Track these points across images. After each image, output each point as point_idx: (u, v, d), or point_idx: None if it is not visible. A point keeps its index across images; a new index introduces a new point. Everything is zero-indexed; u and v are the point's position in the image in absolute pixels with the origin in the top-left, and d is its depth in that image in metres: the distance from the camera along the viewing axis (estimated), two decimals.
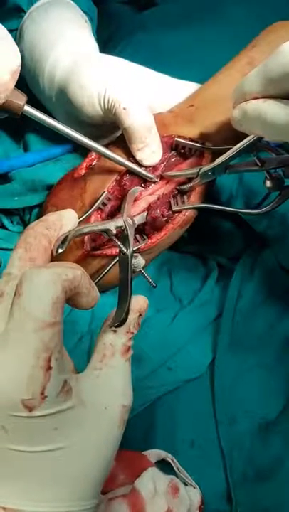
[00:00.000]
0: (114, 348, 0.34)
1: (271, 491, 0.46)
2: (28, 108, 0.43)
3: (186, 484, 0.44)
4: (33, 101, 0.56)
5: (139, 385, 0.49)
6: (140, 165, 0.48)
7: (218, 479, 0.47)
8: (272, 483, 0.46)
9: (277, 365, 0.52)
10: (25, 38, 0.54)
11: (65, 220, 0.35)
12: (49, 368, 0.28)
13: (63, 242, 0.34)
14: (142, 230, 0.49)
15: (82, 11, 0.60)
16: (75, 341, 0.53)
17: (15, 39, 0.55)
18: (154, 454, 0.46)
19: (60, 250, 0.34)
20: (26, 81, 0.57)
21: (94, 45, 0.55)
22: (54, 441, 0.29)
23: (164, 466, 0.46)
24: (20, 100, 0.42)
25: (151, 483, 0.42)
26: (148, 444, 0.47)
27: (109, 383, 0.33)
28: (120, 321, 0.34)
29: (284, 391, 0.50)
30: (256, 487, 0.46)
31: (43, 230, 0.34)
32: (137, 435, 0.48)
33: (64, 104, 0.51)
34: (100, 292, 0.54)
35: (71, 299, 0.31)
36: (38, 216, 0.55)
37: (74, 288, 0.30)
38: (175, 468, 0.46)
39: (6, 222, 0.58)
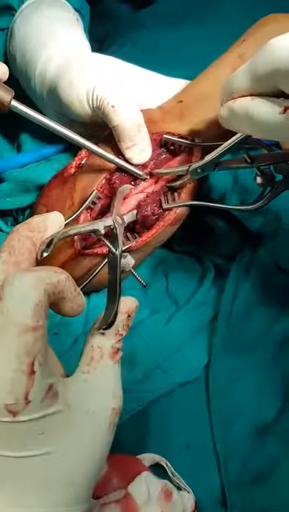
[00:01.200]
0: (102, 350, 0.34)
1: (267, 494, 0.45)
2: (15, 103, 0.42)
3: (179, 489, 0.44)
4: (28, 103, 0.56)
5: (133, 388, 0.48)
6: (129, 163, 0.47)
7: (213, 483, 0.46)
8: (267, 486, 0.46)
9: (273, 366, 0.51)
10: (16, 36, 0.53)
11: (49, 222, 0.35)
12: (32, 372, 0.27)
13: (48, 245, 0.34)
14: (132, 229, 0.48)
15: (74, 9, 0.59)
16: (70, 343, 0.53)
17: (6, 38, 0.55)
18: (148, 458, 0.45)
19: (45, 254, 0.33)
20: (19, 82, 0.56)
21: (85, 43, 0.55)
22: (41, 446, 0.29)
23: (158, 469, 0.46)
24: (7, 95, 0.41)
25: (145, 488, 0.41)
26: (142, 448, 0.47)
27: (98, 386, 0.33)
28: (108, 323, 0.33)
29: (280, 393, 0.49)
30: (252, 490, 0.46)
31: (27, 232, 0.33)
32: (131, 438, 0.47)
33: (54, 103, 0.51)
34: (92, 292, 0.55)
35: (55, 304, 0.31)
36: (30, 216, 0.55)
37: (58, 292, 0.29)
38: (169, 472, 0.45)
39: (0, 223, 0.58)
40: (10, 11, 0.56)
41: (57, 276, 0.29)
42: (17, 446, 0.28)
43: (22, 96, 0.54)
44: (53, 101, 0.51)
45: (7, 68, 0.39)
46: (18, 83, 0.57)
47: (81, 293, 0.32)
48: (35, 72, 0.51)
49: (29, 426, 0.28)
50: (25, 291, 0.27)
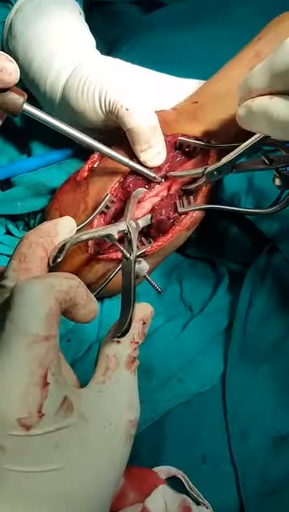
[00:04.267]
0: (117, 359, 0.33)
1: (286, 507, 0.44)
2: (27, 107, 0.41)
3: (198, 503, 0.42)
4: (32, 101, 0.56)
5: (149, 398, 0.47)
6: (144, 166, 0.46)
7: (231, 495, 0.45)
8: (286, 499, 0.45)
9: None
10: (18, 39, 0.52)
11: (60, 227, 0.34)
12: (45, 384, 0.27)
13: (61, 250, 0.33)
14: (147, 233, 0.47)
15: None
16: (84, 350, 0.52)
17: (2, 33, 0.54)
18: (164, 471, 0.44)
19: (57, 260, 0.32)
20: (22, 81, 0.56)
21: (91, 40, 0.54)
22: (55, 460, 0.28)
23: (175, 482, 0.44)
24: (19, 99, 0.40)
25: (162, 502, 0.40)
26: (158, 460, 0.46)
27: (114, 397, 0.32)
28: (123, 331, 0.33)
29: None
30: (270, 503, 0.45)
31: (37, 239, 0.33)
32: (147, 450, 0.46)
33: (67, 112, 0.51)
34: (106, 297, 0.54)
35: (67, 312, 0.30)
36: (42, 221, 0.55)
37: (70, 299, 0.29)
38: (187, 486, 0.44)
39: (11, 227, 0.58)
40: (5, 3, 0.54)
41: (68, 283, 0.29)
42: (31, 461, 0.27)
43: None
44: (65, 110, 0.51)
45: (17, 68, 0.37)
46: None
47: (94, 298, 0.32)
48: (47, 83, 0.51)
49: (43, 440, 0.27)
50: (36, 299, 0.27)
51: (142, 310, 0.35)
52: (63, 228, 0.34)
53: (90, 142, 0.44)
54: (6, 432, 0.26)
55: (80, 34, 0.53)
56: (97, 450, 0.29)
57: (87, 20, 0.60)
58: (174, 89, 0.51)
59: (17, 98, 0.39)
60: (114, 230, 0.39)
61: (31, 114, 0.42)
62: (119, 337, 0.33)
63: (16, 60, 0.52)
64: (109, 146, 0.47)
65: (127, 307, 0.34)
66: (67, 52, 0.50)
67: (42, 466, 0.27)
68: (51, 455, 0.28)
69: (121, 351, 0.33)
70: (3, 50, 0.55)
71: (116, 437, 0.31)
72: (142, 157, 0.46)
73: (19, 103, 0.39)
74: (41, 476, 0.27)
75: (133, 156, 0.46)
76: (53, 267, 0.33)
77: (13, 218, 0.58)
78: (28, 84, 0.54)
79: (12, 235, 0.58)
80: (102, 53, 0.53)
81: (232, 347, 0.51)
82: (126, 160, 0.45)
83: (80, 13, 0.57)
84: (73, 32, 0.53)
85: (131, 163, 0.45)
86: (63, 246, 0.33)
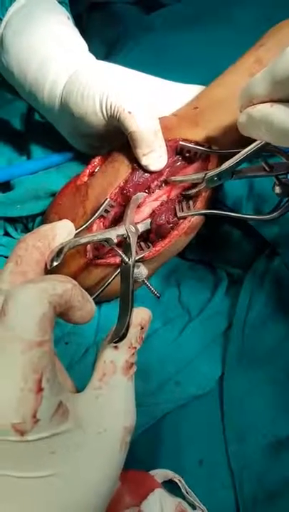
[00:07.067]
0: (115, 365, 0.33)
1: None
2: None
3: (194, 507, 0.43)
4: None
5: (146, 401, 0.48)
6: (145, 170, 0.47)
7: (228, 500, 0.45)
8: (283, 505, 0.45)
9: (287, 382, 0.50)
10: (10, 52, 0.52)
11: (58, 231, 0.34)
12: (40, 389, 0.27)
13: (58, 254, 0.33)
14: (146, 238, 0.48)
15: (60, 1, 0.58)
16: (81, 353, 0.53)
17: None
18: (161, 474, 0.44)
19: (54, 263, 0.32)
20: (19, 93, 0.56)
21: (82, 44, 0.54)
22: (50, 466, 0.28)
23: (171, 486, 0.45)
24: None
25: (158, 506, 0.40)
26: (154, 463, 0.46)
27: (110, 404, 0.32)
28: (120, 336, 0.33)
29: None
30: (266, 508, 0.45)
31: (34, 242, 0.33)
32: (144, 453, 0.46)
33: (67, 118, 0.51)
34: (104, 301, 0.54)
35: (64, 314, 0.30)
36: (41, 224, 0.55)
37: (64, 302, 0.29)
38: (183, 490, 0.44)
39: (10, 230, 0.59)
40: None
41: (62, 286, 0.29)
42: (25, 467, 0.27)
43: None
44: (64, 116, 0.51)
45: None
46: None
47: (90, 299, 0.32)
48: (44, 92, 0.51)
49: (38, 445, 0.27)
50: (29, 304, 0.27)
51: (140, 315, 0.35)
52: (61, 231, 0.34)
53: None
54: (1, 437, 0.26)
55: (71, 39, 0.53)
56: (93, 456, 0.30)
57: (86, 21, 0.60)
58: (174, 95, 0.52)
59: None
60: (113, 235, 0.40)
61: None
62: (116, 342, 0.33)
63: (11, 73, 0.53)
64: (109, 150, 0.48)
65: (124, 312, 0.34)
66: (60, 59, 0.51)
67: (36, 472, 0.28)
68: (46, 461, 0.28)
69: (118, 357, 0.33)
70: None
71: (111, 444, 0.31)
72: (144, 161, 0.46)
73: None
74: (37, 482, 0.28)
75: (134, 160, 0.46)
76: (51, 270, 0.33)
77: (12, 220, 0.58)
78: (26, 97, 0.55)
79: (11, 236, 0.59)
80: (100, 55, 0.54)
81: (230, 350, 0.52)
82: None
83: (68, 18, 0.57)
84: (64, 38, 0.53)
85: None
86: (61, 249, 0.33)
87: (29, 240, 0.33)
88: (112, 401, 0.32)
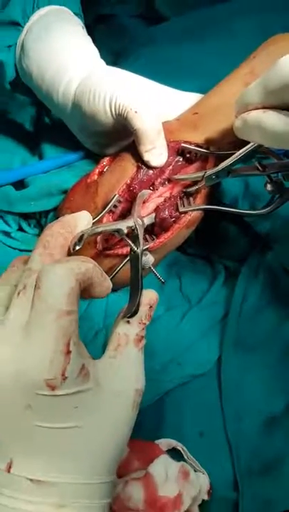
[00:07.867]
0: (128, 337, 0.36)
1: (274, 485, 0.48)
2: None
3: (195, 470, 0.46)
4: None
5: (152, 378, 0.49)
6: (148, 166, 0.50)
7: (226, 469, 0.48)
8: (274, 478, 0.48)
9: (280, 366, 0.53)
10: (30, 56, 0.55)
11: (79, 220, 0.38)
12: (68, 351, 0.31)
13: (80, 239, 0.37)
14: (150, 231, 0.51)
15: (75, 13, 0.61)
16: (91, 336, 0.55)
17: (14, 53, 0.58)
18: (165, 443, 0.48)
19: (77, 247, 0.36)
20: (36, 94, 0.59)
21: (97, 55, 0.57)
22: (74, 418, 0.32)
23: (174, 454, 0.48)
24: None
25: (163, 468, 0.44)
26: (159, 434, 0.49)
27: (124, 369, 0.35)
28: (132, 312, 0.36)
29: (287, 390, 0.51)
30: (260, 480, 0.48)
31: (59, 229, 0.36)
32: (150, 425, 0.50)
33: (78, 116, 0.54)
34: (111, 291, 0.57)
35: (86, 290, 0.34)
36: (53, 219, 0.57)
37: (87, 279, 0.32)
38: (185, 456, 0.48)
39: (24, 225, 0.61)
40: (15, 26, 0.57)
41: (85, 265, 0.32)
42: (54, 418, 0.31)
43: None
44: (76, 115, 0.54)
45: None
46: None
47: (107, 277, 0.35)
48: (59, 92, 0.55)
49: (65, 400, 0.31)
50: (60, 280, 0.31)
51: (149, 295, 0.38)
52: (81, 220, 0.38)
53: None
54: (35, 391, 0.30)
55: (85, 46, 0.57)
56: (110, 412, 0.33)
57: (93, 32, 0.63)
58: (176, 101, 0.55)
59: None
60: (124, 226, 0.43)
61: None
62: (129, 317, 0.36)
63: (30, 76, 0.56)
64: (118, 151, 0.51)
65: (135, 292, 0.38)
66: (76, 64, 0.54)
67: (63, 423, 0.31)
68: (71, 414, 0.32)
69: (130, 330, 0.37)
70: (16, 69, 0.58)
71: (125, 403, 0.34)
72: (146, 157, 0.49)
73: None
74: (63, 433, 0.32)
75: (138, 159, 0.50)
76: (72, 254, 0.37)
77: (26, 216, 0.60)
78: (43, 97, 0.58)
79: (24, 231, 0.61)
80: (107, 64, 0.56)
81: (227, 336, 0.54)
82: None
83: (83, 27, 0.60)
84: (79, 45, 0.56)
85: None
86: (82, 236, 0.37)
87: (55, 228, 0.36)
88: (125, 367, 0.35)
